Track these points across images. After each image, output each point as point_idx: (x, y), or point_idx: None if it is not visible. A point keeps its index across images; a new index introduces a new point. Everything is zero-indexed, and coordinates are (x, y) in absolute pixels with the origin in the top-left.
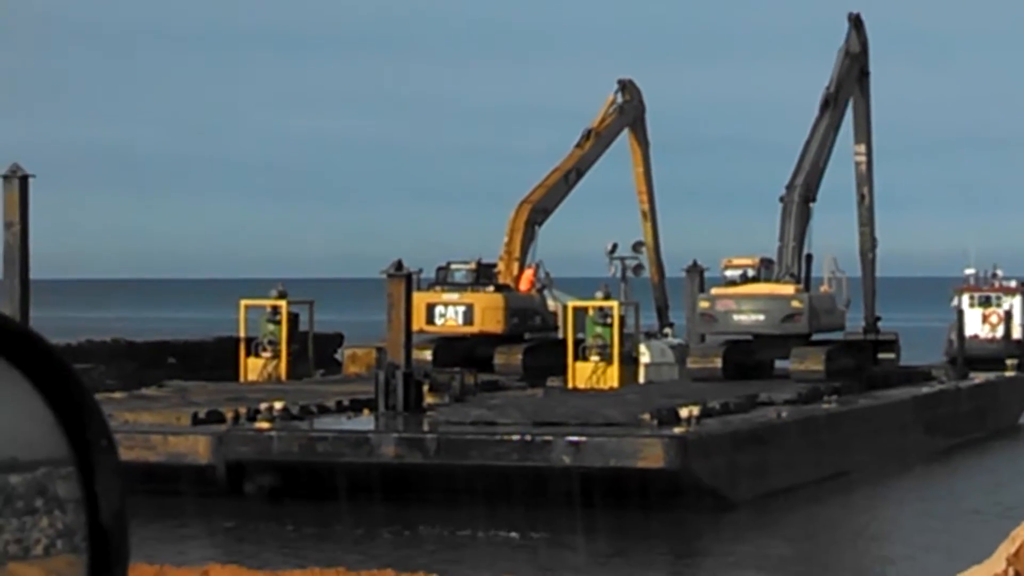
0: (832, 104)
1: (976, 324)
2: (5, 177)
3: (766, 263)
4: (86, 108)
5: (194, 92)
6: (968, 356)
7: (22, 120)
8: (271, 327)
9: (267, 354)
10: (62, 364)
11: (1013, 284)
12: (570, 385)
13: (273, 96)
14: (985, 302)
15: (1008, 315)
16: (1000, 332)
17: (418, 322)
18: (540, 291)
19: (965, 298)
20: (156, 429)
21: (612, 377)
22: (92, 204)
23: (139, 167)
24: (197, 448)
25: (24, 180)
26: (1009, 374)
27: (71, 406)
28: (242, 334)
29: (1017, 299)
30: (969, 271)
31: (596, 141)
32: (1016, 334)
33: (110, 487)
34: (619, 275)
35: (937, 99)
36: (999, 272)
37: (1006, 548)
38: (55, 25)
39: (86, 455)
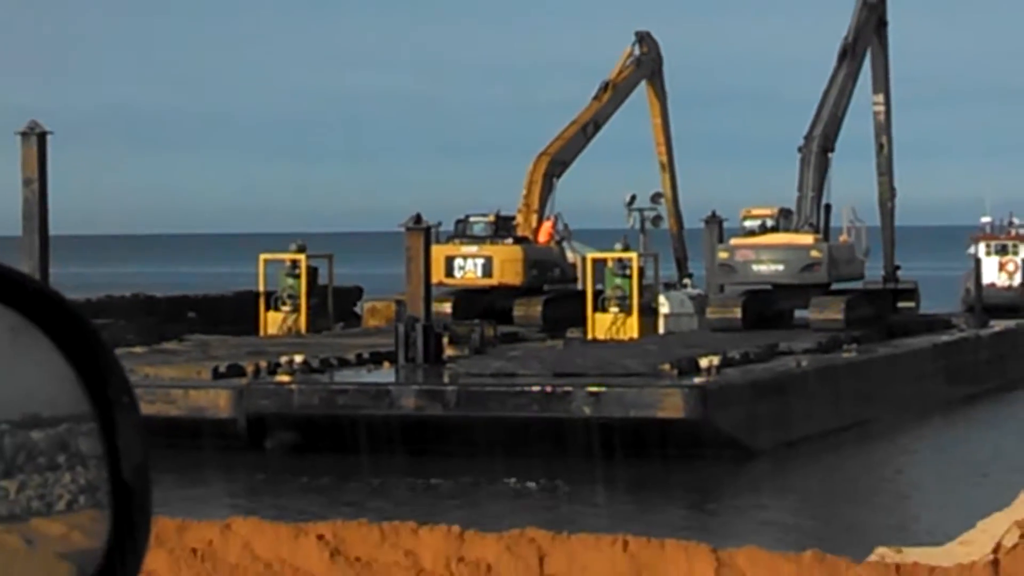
0: (850, 54)
1: (993, 272)
2: (23, 134)
3: (785, 213)
4: (105, 67)
5: (217, 50)
6: (985, 304)
7: (41, 78)
8: (290, 281)
9: (287, 308)
10: (81, 321)
11: None
12: (590, 336)
13: (293, 53)
14: (1002, 250)
15: None
16: (1017, 280)
17: (437, 275)
18: (559, 243)
19: (981, 246)
20: (177, 383)
21: (632, 328)
22: (110, 161)
23: (159, 125)
24: (218, 402)
25: (42, 137)
26: None
27: (92, 363)
28: (261, 288)
29: None
30: (985, 219)
31: (613, 93)
32: None
33: (132, 443)
34: (638, 226)
35: (954, 49)
36: (1015, 220)
37: None
38: None
39: (108, 411)
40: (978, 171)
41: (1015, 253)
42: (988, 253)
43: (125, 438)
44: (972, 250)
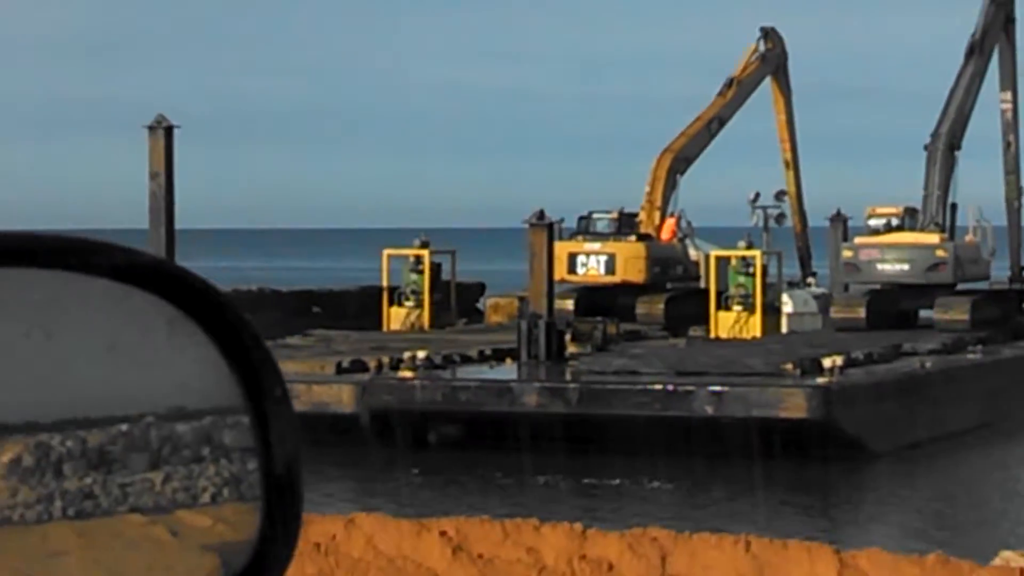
0: (977, 51)
1: None
2: (150, 128)
3: (910, 212)
4: (228, 62)
5: (343, 44)
6: None
7: (173, 72)
8: (414, 276)
9: (410, 303)
10: (237, 315)
11: None
12: (712, 335)
13: (424, 48)
14: None
15: None
16: None
17: (560, 272)
18: (682, 240)
19: None
20: (300, 378)
21: (754, 327)
22: (236, 155)
23: (282, 119)
24: (341, 397)
25: (169, 131)
26: None
27: (245, 356)
28: (385, 283)
29: None
30: None
31: (738, 90)
32: None
33: (284, 436)
34: (761, 224)
35: None
36: None
37: None
38: None
39: (260, 404)
40: None
41: None
42: None
43: (278, 431)
44: None
